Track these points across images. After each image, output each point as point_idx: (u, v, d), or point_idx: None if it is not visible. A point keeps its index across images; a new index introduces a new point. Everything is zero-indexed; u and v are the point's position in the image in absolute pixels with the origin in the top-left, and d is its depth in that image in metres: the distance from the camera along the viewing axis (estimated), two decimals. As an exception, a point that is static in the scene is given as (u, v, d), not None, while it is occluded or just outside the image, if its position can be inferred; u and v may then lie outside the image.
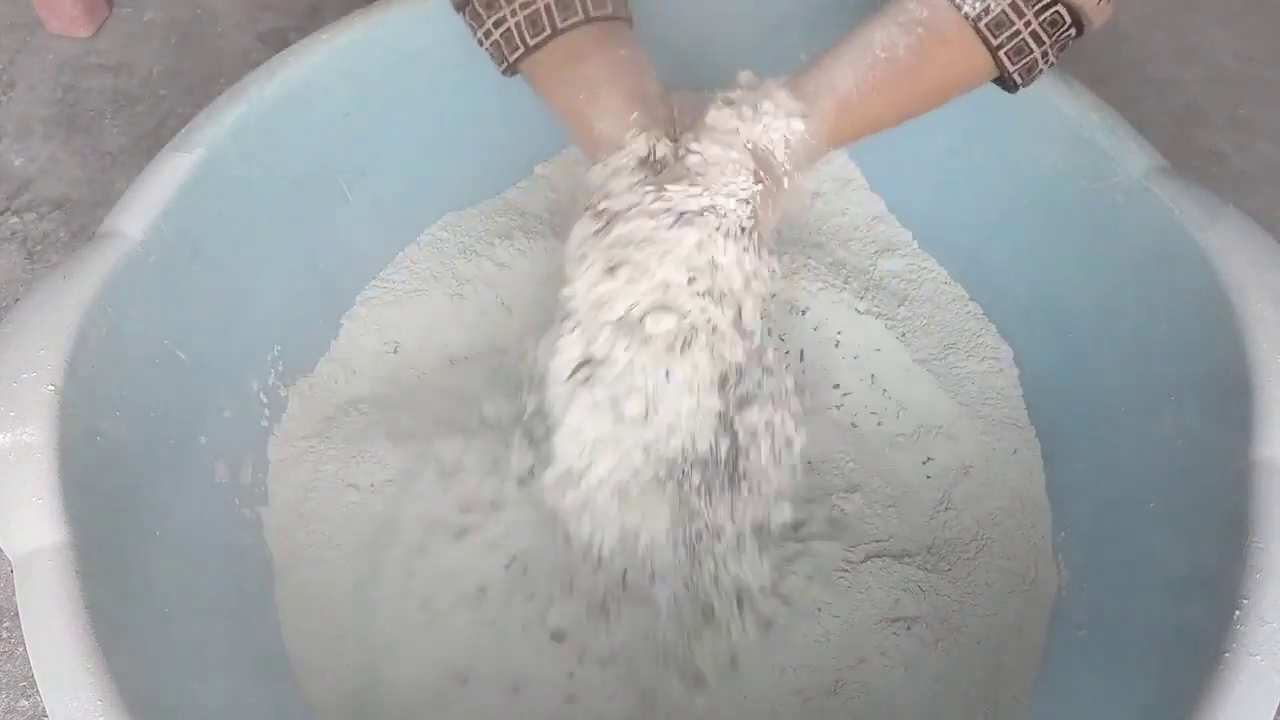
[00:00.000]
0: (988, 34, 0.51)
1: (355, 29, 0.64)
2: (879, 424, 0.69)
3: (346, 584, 0.62)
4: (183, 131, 0.58)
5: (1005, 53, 0.51)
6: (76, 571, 0.43)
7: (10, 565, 0.44)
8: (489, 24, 0.54)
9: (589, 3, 0.53)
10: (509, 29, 0.54)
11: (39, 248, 0.87)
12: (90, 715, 0.40)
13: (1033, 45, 0.51)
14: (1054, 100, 0.62)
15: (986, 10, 0.50)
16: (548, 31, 0.53)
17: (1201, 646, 0.44)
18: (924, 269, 0.75)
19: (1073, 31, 0.51)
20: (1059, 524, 0.64)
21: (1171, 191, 0.56)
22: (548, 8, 0.53)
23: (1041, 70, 0.53)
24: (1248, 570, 0.44)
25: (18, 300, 0.61)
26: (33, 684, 0.64)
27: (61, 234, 0.88)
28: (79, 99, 0.98)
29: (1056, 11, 0.51)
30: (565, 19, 0.53)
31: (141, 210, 0.54)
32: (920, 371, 0.70)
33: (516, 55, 0.54)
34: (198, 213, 0.57)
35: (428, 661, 0.59)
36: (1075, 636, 0.58)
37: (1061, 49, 0.52)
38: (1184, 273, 0.55)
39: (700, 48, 0.77)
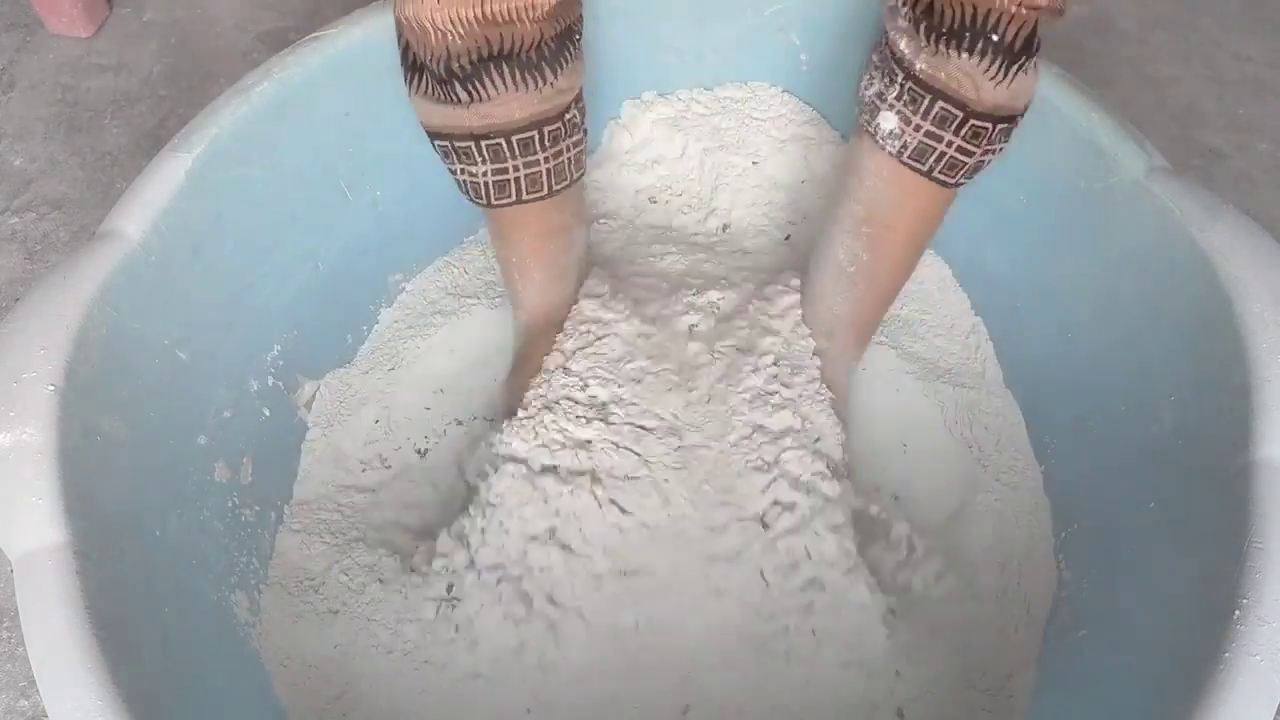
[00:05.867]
0: (914, 164, 0.55)
1: (355, 29, 0.64)
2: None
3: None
4: (183, 131, 0.58)
5: (939, 173, 0.55)
6: (76, 571, 0.43)
7: (10, 565, 0.44)
8: (461, 168, 0.59)
9: (552, 179, 0.59)
10: (479, 183, 0.59)
11: (39, 248, 0.87)
12: (90, 715, 0.40)
13: (964, 158, 0.54)
14: (1054, 100, 0.62)
15: (904, 145, 0.54)
16: (511, 199, 0.59)
17: (1201, 646, 0.44)
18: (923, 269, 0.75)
19: (1006, 125, 0.53)
20: (1059, 524, 0.64)
21: (1171, 191, 0.56)
22: (517, 180, 0.58)
23: (989, 162, 0.56)
24: (1247, 570, 0.44)
25: (18, 300, 0.61)
26: (33, 684, 0.64)
27: (61, 234, 0.88)
28: (79, 99, 0.98)
29: (974, 126, 0.53)
30: (531, 192, 0.59)
31: (141, 210, 0.54)
32: (911, 381, 0.71)
33: (482, 204, 0.60)
34: (198, 213, 0.57)
35: (397, 679, 0.59)
36: (1075, 636, 0.58)
37: (1008, 135, 0.54)
38: (1184, 273, 0.55)
39: (700, 47, 0.77)
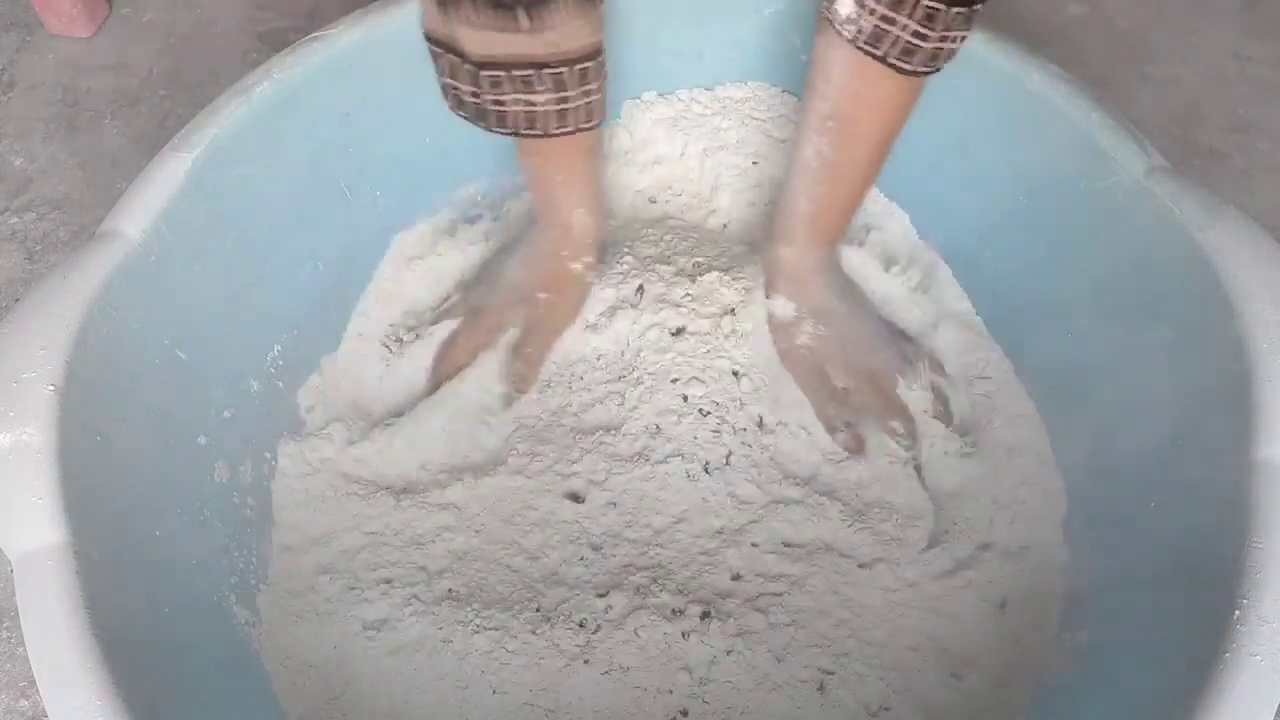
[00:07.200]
0: (870, 49, 0.54)
1: (355, 29, 0.64)
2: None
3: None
4: (183, 131, 0.58)
5: (895, 59, 0.54)
6: (76, 571, 0.43)
7: (10, 565, 0.44)
8: (515, 98, 0.57)
9: (601, 111, 0.60)
10: (536, 113, 0.58)
11: (39, 248, 0.87)
12: (90, 715, 0.40)
13: (919, 43, 0.53)
14: (1054, 100, 0.62)
15: (860, 30, 0.53)
16: (570, 128, 0.59)
17: (1201, 647, 0.44)
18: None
19: (962, 11, 0.52)
20: (1060, 523, 0.64)
21: (1171, 191, 0.56)
22: (576, 110, 0.58)
23: (951, 52, 0.54)
24: (1248, 570, 0.44)
25: (18, 300, 0.61)
26: (33, 684, 0.64)
27: (61, 234, 0.88)
28: (79, 99, 0.98)
29: (928, 8, 0.51)
30: (587, 122, 0.59)
31: (141, 210, 0.54)
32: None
33: (532, 134, 0.59)
34: (198, 213, 0.57)
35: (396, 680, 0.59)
36: (1075, 637, 0.58)
37: (968, 21, 0.53)
38: (1184, 273, 0.55)
39: (700, 47, 0.77)
